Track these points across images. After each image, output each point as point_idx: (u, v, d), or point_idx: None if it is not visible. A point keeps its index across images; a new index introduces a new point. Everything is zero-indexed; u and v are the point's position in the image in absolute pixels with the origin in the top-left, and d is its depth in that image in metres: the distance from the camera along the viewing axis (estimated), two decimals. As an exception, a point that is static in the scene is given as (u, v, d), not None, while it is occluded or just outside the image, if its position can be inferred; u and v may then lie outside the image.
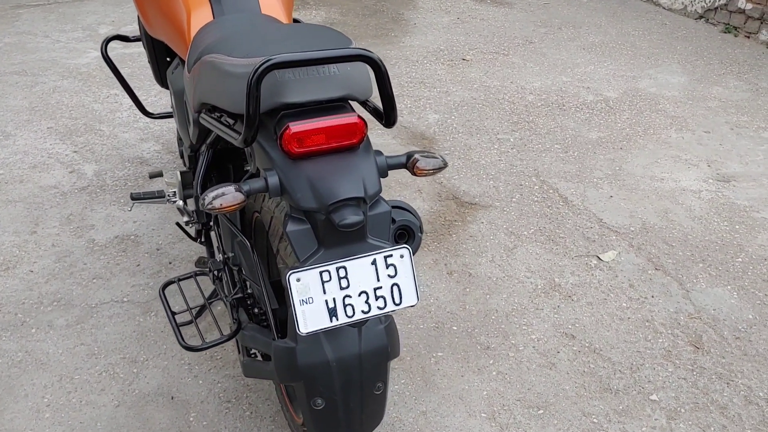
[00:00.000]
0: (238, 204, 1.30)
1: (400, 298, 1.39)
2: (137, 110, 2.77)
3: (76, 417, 2.01)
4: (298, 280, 1.32)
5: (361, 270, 1.35)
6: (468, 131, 3.61)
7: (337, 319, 1.35)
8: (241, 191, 1.31)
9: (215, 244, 2.06)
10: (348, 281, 1.35)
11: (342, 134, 1.34)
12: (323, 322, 1.34)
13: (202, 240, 2.21)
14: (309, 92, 1.36)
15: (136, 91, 3.85)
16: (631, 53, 4.65)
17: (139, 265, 2.61)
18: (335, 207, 1.30)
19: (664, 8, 5.58)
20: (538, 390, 2.13)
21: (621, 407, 2.07)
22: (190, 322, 1.92)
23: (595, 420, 2.04)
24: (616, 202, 3.02)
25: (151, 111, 2.79)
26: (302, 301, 1.32)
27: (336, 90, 1.38)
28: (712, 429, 2.01)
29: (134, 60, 4.40)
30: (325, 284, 1.33)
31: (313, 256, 1.34)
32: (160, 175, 2.44)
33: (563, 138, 3.54)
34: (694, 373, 2.19)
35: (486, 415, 2.05)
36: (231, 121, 1.49)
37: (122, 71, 4.24)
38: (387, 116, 1.41)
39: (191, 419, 2.02)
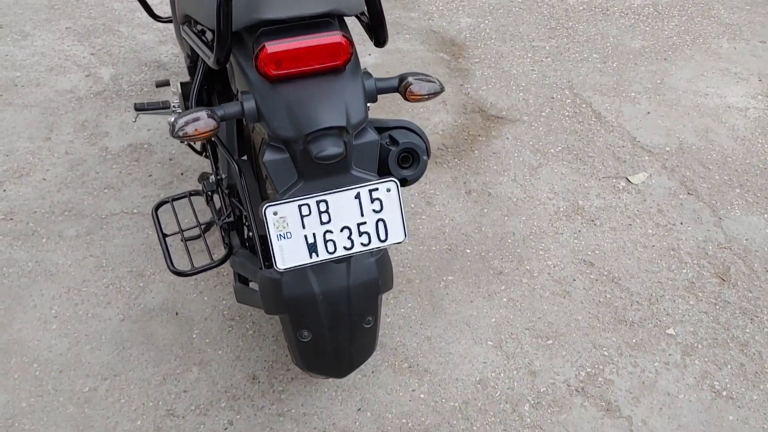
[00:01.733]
0: (210, 131, 1.20)
1: (386, 234, 1.30)
2: (147, 13, 2.65)
3: (81, 329, 2.03)
4: (275, 213, 1.24)
5: (343, 204, 1.26)
6: (501, 37, 3.39)
7: (317, 256, 1.27)
8: (214, 117, 1.21)
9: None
10: (329, 216, 1.26)
11: (324, 55, 1.22)
12: (302, 258, 1.27)
13: (208, 154, 2.13)
14: (289, 7, 1.23)
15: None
16: (689, -49, 4.26)
17: (151, 175, 2.57)
18: (314, 136, 1.20)
19: None
20: (549, 319, 2.06)
21: (634, 340, 1.99)
22: (194, 238, 1.87)
23: (605, 353, 1.96)
24: (653, 119, 2.83)
25: (159, 15, 2.66)
26: (280, 236, 1.24)
27: (320, 4, 1.25)
28: (729, 366, 1.92)
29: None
30: (305, 218, 1.25)
31: (293, 188, 1.26)
32: (167, 84, 2.35)
33: (603, 47, 3.30)
34: (717, 307, 2.09)
35: (492, 342, 2.00)
36: (210, 38, 1.37)
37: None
38: (376, 35, 1.28)
39: (194, 336, 2.01)
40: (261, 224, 1.54)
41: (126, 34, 3.42)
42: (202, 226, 1.78)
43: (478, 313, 2.08)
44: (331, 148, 1.18)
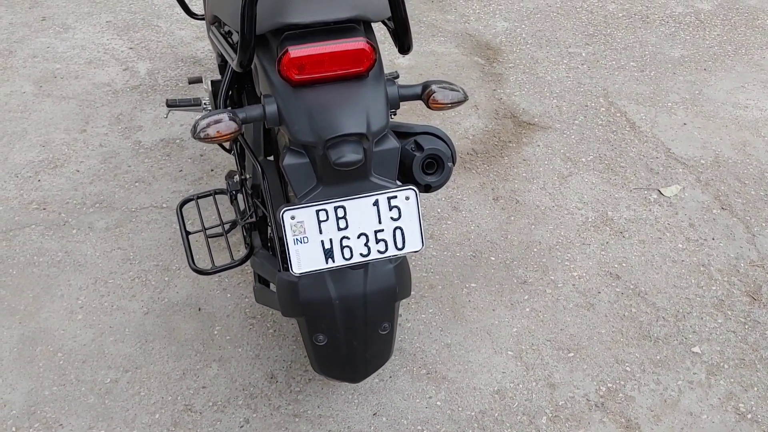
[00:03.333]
0: (231, 134, 1.21)
1: (403, 242, 1.29)
2: (183, 11, 2.68)
3: (106, 321, 2.06)
4: (293, 218, 1.24)
5: (361, 210, 1.26)
6: (537, 42, 3.36)
7: (333, 261, 1.27)
8: (235, 120, 1.22)
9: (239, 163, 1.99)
10: (347, 222, 1.26)
11: (347, 61, 1.22)
12: (318, 264, 1.27)
13: (235, 153, 2.15)
14: (314, 12, 1.23)
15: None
16: (736, -42, 4.17)
17: (181, 170, 2.60)
18: (333, 142, 1.19)
19: None
20: (572, 331, 2.03)
21: (658, 357, 1.96)
22: (217, 236, 1.88)
23: (627, 368, 1.93)
24: (689, 131, 2.77)
25: (195, 12, 2.69)
26: (297, 240, 1.25)
27: (344, 10, 1.24)
28: (756, 389, 1.87)
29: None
30: (322, 224, 1.25)
31: (311, 193, 1.26)
32: (199, 81, 2.37)
33: (641, 54, 3.24)
34: (746, 326, 2.04)
35: (513, 353, 1.98)
36: (235, 40, 1.38)
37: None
38: (401, 42, 1.27)
39: (215, 332, 2.03)
40: (280, 226, 1.55)
41: (164, 30, 3.47)
42: (226, 225, 1.79)
43: (500, 322, 2.06)
44: (350, 154, 1.18)
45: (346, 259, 1.28)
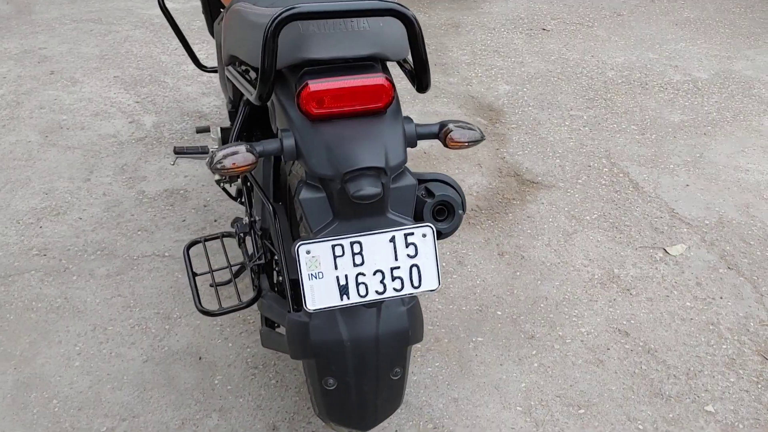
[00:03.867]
0: (248, 166, 1.20)
1: (420, 280, 1.27)
2: (193, 62, 2.72)
3: (104, 368, 2.00)
4: (308, 252, 1.22)
5: (377, 247, 1.24)
6: (539, 105, 3.41)
7: (348, 298, 1.24)
8: (253, 152, 1.21)
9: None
10: (363, 258, 1.24)
11: (366, 96, 1.22)
12: (333, 300, 1.24)
13: (243, 200, 2.14)
14: (334, 48, 1.24)
15: (201, 45, 3.83)
16: (729, 31, 4.29)
17: (184, 220, 2.58)
18: (352, 176, 1.19)
19: (772, -15, 5.13)
20: (582, 387, 1.98)
21: (671, 415, 1.90)
22: (227, 282, 1.85)
23: (640, 426, 1.88)
24: (692, 192, 2.79)
25: (205, 65, 2.73)
26: (311, 276, 1.22)
27: (364, 47, 1.26)
28: (772, 450, 1.82)
29: (199, 14, 4.37)
30: (337, 259, 1.23)
31: (327, 227, 1.24)
32: (207, 130, 2.39)
33: (641, 119, 3.29)
34: (759, 386, 1.99)
35: (521, 408, 1.92)
36: (254, 76, 1.39)
37: (194, 25, 4.23)
38: (419, 81, 1.28)
39: (216, 382, 1.97)
40: (292, 267, 1.52)
41: (171, 85, 3.51)
42: (233, 268, 1.77)
43: (508, 377, 2.01)
44: (368, 187, 1.17)
45: (362, 296, 1.25)
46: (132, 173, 2.83)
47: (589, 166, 2.94)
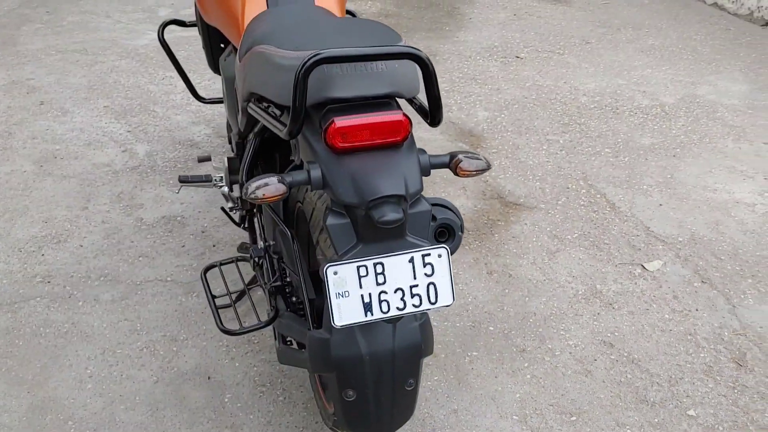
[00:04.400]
0: (280, 195, 1.31)
1: (436, 297, 1.39)
2: (191, 94, 2.82)
3: (116, 390, 2.07)
4: (336, 273, 1.33)
5: (398, 267, 1.36)
6: (517, 130, 3.58)
7: (372, 314, 1.36)
8: (284, 183, 1.33)
9: (258, 231, 2.09)
10: (384, 277, 1.36)
11: (386, 131, 1.35)
12: (358, 316, 1.35)
13: (246, 226, 2.25)
14: (355, 88, 1.36)
15: (191, 75, 3.92)
16: (692, 58, 4.53)
17: (184, 246, 2.67)
18: (375, 203, 1.31)
19: (728, 13, 5.42)
20: (572, 396, 2.11)
21: (656, 420, 2.04)
22: (229, 306, 1.96)
23: (628, 430, 2.01)
24: (665, 211, 2.96)
25: (203, 96, 2.83)
26: (338, 294, 1.33)
27: (382, 87, 1.38)
28: (750, 449, 1.96)
29: (191, 44, 4.47)
30: (362, 279, 1.34)
31: (352, 250, 1.35)
32: (208, 159, 2.48)
33: (614, 142, 3.48)
34: (736, 390, 2.14)
35: (518, 417, 2.04)
36: (278, 113, 1.50)
37: (181, 54, 4.32)
38: (432, 116, 1.41)
39: (226, 400, 2.06)
40: (310, 288, 1.63)
41: (161, 114, 3.60)
42: (249, 288, 1.87)
43: (503, 389, 2.13)
44: (392, 213, 1.29)
45: (384, 313, 1.37)
46: (129, 201, 2.91)
47: (568, 188, 3.10)
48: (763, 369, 2.22)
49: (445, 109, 3.76)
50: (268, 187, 1.32)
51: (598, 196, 3.05)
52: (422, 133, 3.50)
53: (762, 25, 5.15)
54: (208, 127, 3.48)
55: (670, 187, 3.13)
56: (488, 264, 2.64)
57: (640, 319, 2.40)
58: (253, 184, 1.32)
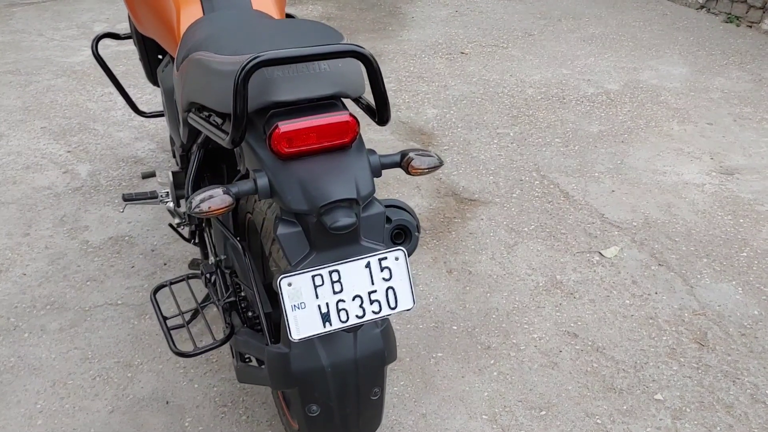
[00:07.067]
0: (227, 207, 1.25)
1: (396, 301, 1.34)
2: (131, 109, 2.73)
3: (69, 423, 1.98)
4: (290, 284, 1.27)
5: (354, 273, 1.31)
6: (467, 126, 3.56)
7: (331, 325, 1.31)
8: (229, 194, 1.26)
9: (209, 246, 2.01)
10: (341, 285, 1.30)
11: (333, 133, 1.30)
12: (316, 328, 1.30)
13: (196, 241, 2.17)
14: (298, 90, 1.31)
15: (132, 90, 3.81)
16: (632, 44, 4.59)
17: (133, 266, 2.57)
18: (327, 209, 1.25)
19: (664, -1, 5.52)
20: (540, 390, 2.09)
21: (625, 407, 2.03)
22: (182, 326, 1.88)
23: (598, 421, 1.99)
24: (617, 197, 2.98)
25: (144, 110, 2.74)
26: (294, 307, 1.28)
27: (327, 87, 1.33)
28: (718, 429, 1.97)
29: (129, 58, 4.35)
30: (318, 289, 1.29)
31: (305, 259, 1.30)
32: (153, 175, 2.39)
33: (563, 132, 3.49)
34: (700, 371, 2.15)
35: (487, 416, 2.01)
36: (219, 121, 1.44)
37: (119, 69, 4.20)
38: (380, 114, 1.37)
39: (186, 424, 1.98)
40: (265, 302, 1.57)
41: (102, 132, 3.48)
42: (202, 307, 1.79)
43: (471, 388, 2.10)
44: (344, 218, 1.24)
45: (343, 322, 1.31)
46: (73, 224, 2.80)
47: (521, 180, 3.10)
48: (724, 347, 2.23)
49: (393, 109, 3.72)
50: (214, 199, 1.26)
51: (552, 186, 3.05)
52: (372, 134, 3.46)
53: (697, 9, 5.26)
54: (152, 142, 3.38)
55: (621, 173, 3.14)
56: (447, 262, 2.61)
57: (601, 307, 2.39)
58: (198, 198, 1.25)
